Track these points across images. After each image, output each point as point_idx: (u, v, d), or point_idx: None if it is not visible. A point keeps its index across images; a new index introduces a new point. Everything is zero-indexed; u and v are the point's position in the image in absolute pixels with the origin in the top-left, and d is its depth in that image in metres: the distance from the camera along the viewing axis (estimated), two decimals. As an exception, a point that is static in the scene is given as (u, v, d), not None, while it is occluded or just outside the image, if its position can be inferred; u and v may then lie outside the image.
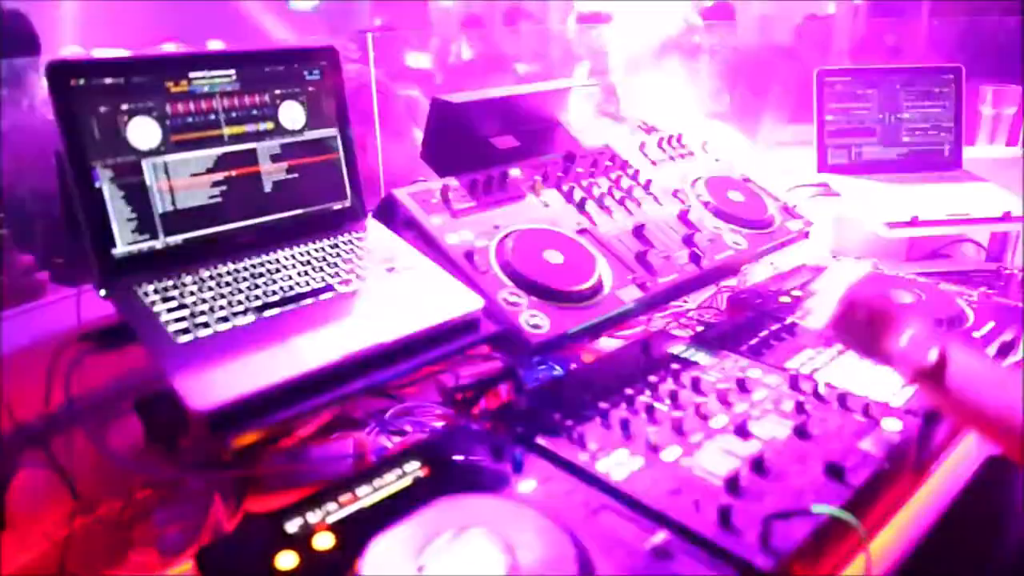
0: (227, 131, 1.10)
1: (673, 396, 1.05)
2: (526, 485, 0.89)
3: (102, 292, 0.99)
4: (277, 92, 1.14)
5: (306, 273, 1.08)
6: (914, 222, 1.68)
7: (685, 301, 1.59)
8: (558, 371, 1.29)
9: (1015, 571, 1.13)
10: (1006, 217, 1.70)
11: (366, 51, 2.46)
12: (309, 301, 1.02)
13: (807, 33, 3.63)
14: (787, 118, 2.55)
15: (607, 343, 1.43)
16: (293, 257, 1.11)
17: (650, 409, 1.02)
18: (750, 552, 0.78)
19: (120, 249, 1.01)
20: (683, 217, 1.44)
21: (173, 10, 4.21)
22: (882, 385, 1.08)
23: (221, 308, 0.98)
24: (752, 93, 2.76)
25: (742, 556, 0.77)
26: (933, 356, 0.89)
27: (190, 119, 1.06)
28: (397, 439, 1.15)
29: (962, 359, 0.90)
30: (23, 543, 0.98)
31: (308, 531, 0.82)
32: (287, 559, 0.78)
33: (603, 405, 1.04)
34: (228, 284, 1.02)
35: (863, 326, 0.99)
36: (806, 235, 1.57)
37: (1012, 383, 0.86)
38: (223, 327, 0.95)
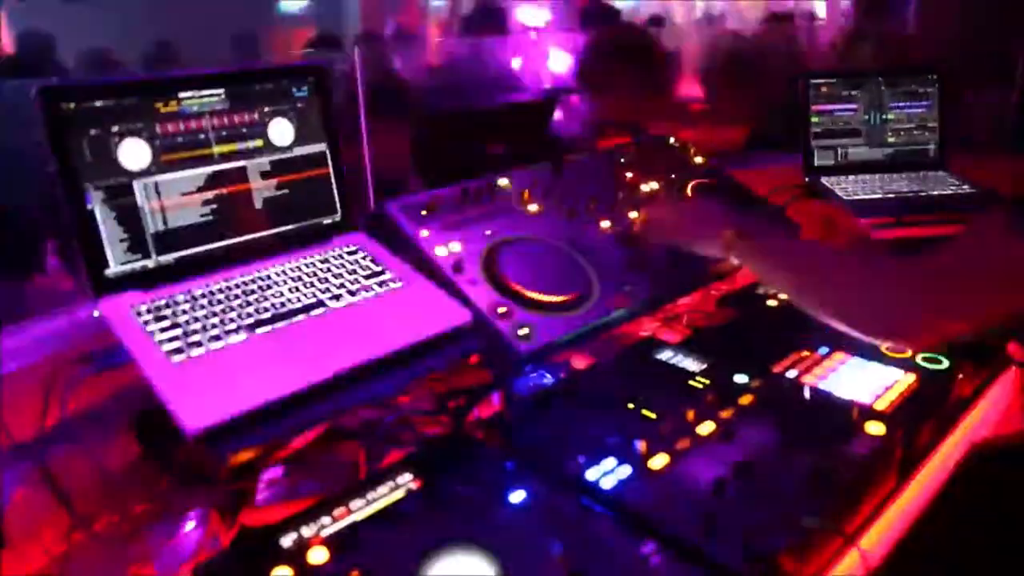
0: (217, 150, 1.11)
1: (661, 403, 1.07)
2: (516, 495, 0.90)
3: (96, 312, 1.01)
4: (266, 110, 1.16)
5: (297, 289, 1.09)
6: (899, 222, 1.71)
7: (674, 306, 1.60)
8: (548, 379, 1.31)
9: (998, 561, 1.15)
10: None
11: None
12: (301, 317, 1.04)
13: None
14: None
15: (597, 350, 1.44)
16: (284, 273, 1.12)
17: (639, 416, 1.04)
18: (736, 559, 0.80)
19: (113, 269, 1.03)
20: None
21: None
22: (866, 389, 1.10)
23: (214, 327, 0.99)
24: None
25: (728, 564, 0.79)
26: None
27: (180, 139, 1.08)
28: (390, 450, 1.17)
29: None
30: (21, 560, 1.00)
31: (303, 545, 0.83)
32: (282, 574, 0.79)
33: (592, 413, 1.05)
34: (220, 302, 1.04)
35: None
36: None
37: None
38: (216, 345, 0.96)
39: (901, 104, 2.01)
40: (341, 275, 1.14)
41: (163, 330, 0.97)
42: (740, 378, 1.14)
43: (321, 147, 1.21)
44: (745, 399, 1.08)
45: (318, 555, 0.81)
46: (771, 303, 1.44)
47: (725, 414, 1.05)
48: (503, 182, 1.41)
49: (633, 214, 1.45)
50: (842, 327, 1.01)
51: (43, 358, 1.06)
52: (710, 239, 1.21)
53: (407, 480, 0.93)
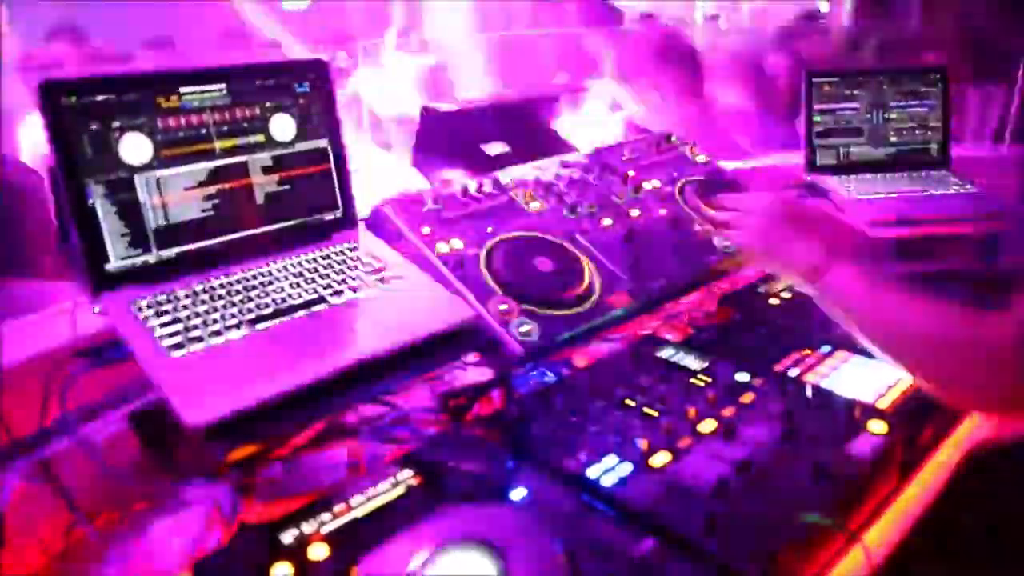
0: (218, 145, 1.11)
1: (663, 401, 1.07)
2: (517, 492, 0.90)
3: (96, 308, 1.00)
4: (268, 105, 1.15)
5: (298, 285, 1.09)
6: (900, 221, 1.70)
7: (676, 304, 1.60)
8: (550, 376, 1.30)
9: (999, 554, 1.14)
10: (993, 216, 1.72)
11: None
12: (302, 313, 1.04)
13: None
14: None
15: (599, 347, 1.44)
16: (286, 269, 1.12)
17: (640, 414, 1.04)
18: (737, 557, 0.79)
19: (113, 264, 1.02)
20: (672, 221, 1.45)
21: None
22: (868, 387, 1.10)
23: (215, 322, 0.99)
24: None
25: (729, 561, 0.79)
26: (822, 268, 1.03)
27: (181, 134, 1.07)
28: (390, 447, 1.16)
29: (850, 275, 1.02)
30: (21, 557, 0.99)
31: (303, 542, 0.83)
32: (282, 570, 0.79)
33: (593, 410, 1.05)
34: (221, 297, 1.04)
35: (779, 234, 1.11)
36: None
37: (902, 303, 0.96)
38: (217, 341, 0.96)
39: (903, 103, 2.00)
40: (342, 271, 1.13)
41: (163, 325, 0.97)
42: (742, 376, 1.14)
43: (323, 143, 1.21)
44: (746, 397, 1.08)
45: (318, 551, 0.81)
46: (773, 302, 1.44)
47: (727, 412, 1.04)
48: (504, 179, 1.40)
49: (635, 211, 1.45)
50: (933, 390, 0.94)
51: (43, 353, 1.05)
52: (798, 267, 1.07)
53: (407, 477, 0.93)
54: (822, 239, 1.08)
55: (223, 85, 1.11)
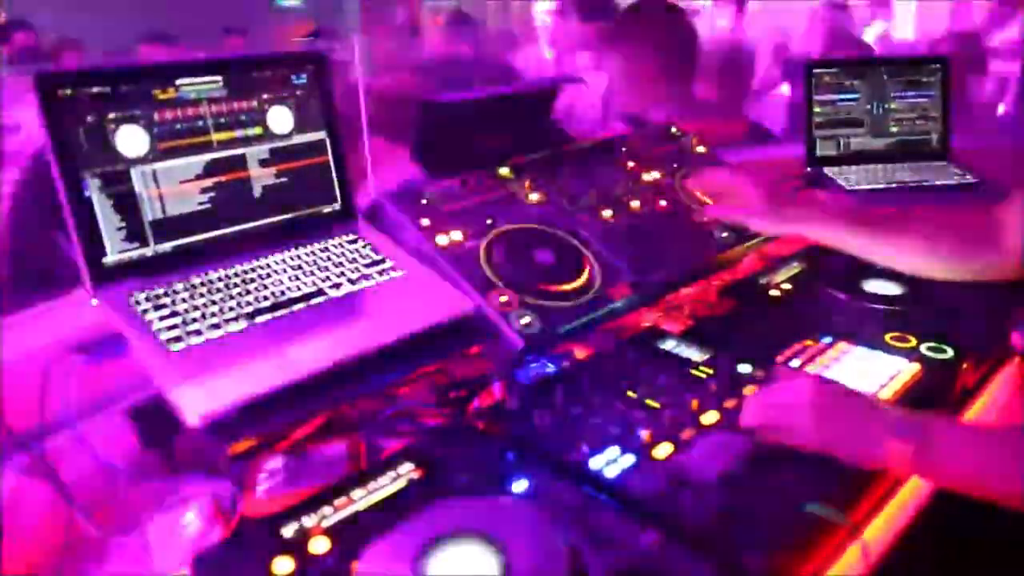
0: (215, 137, 1.10)
1: (665, 392, 1.06)
2: (519, 484, 0.90)
3: (93, 301, 1.00)
4: (265, 97, 1.14)
5: (297, 278, 1.08)
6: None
7: (676, 296, 1.60)
8: (551, 368, 1.30)
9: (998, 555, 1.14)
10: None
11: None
12: (301, 306, 1.03)
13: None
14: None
15: (599, 339, 1.43)
16: (284, 262, 1.11)
17: (642, 406, 1.03)
18: (741, 549, 0.79)
19: (111, 258, 1.02)
20: (672, 212, 1.45)
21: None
22: (870, 378, 1.10)
23: (213, 315, 0.98)
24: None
25: (733, 553, 0.79)
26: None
27: (178, 126, 1.07)
28: (391, 440, 1.16)
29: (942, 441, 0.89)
30: (18, 553, 0.99)
31: (304, 536, 0.82)
32: (283, 564, 0.79)
33: (595, 402, 1.05)
34: (219, 291, 1.03)
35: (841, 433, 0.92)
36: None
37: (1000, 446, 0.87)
38: (215, 334, 0.96)
39: (904, 93, 1.99)
40: (341, 264, 1.13)
41: (162, 319, 0.97)
42: (743, 368, 1.13)
43: (321, 135, 1.20)
44: (749, 389, 1.08)
45: (319, 545, 0.81)
46: (773, 293, 1.43)
47: (729, 404, 1.04)
48: (504, 171, 1.40)
49: (635, 203, 1.44)
50: None
51: (41, 348, 1.05)
52: (882, 452, 0.89)
53: (408, 470, 0.93)
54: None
55: (220, 77, 1.10)
